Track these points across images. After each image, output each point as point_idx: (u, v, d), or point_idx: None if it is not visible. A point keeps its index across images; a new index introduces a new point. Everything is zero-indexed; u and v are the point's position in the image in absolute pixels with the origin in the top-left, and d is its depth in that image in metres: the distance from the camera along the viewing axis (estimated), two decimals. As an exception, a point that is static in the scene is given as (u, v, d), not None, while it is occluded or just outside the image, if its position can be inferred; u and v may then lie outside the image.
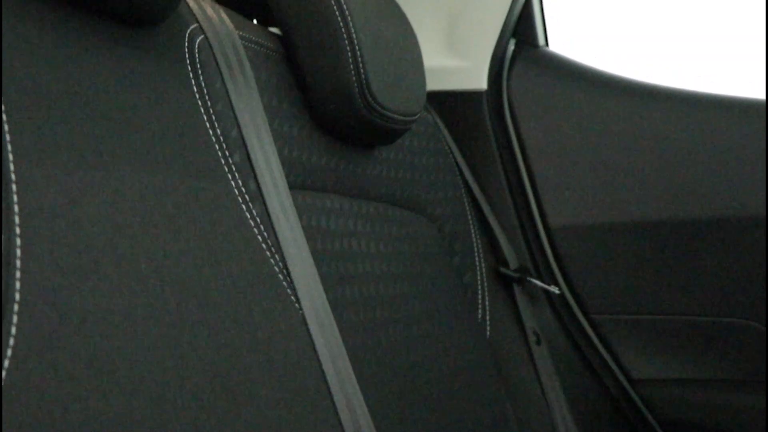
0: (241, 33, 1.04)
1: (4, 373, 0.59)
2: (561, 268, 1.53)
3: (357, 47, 1.09)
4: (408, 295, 1.20)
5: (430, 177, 1.37)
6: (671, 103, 1.49)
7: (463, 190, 1.45)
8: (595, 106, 1.52)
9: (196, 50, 0.94)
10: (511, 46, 1.57)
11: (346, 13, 1.09)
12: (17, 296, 0.62)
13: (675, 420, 1.50)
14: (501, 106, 1.55)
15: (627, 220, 1.49)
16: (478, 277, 1.40)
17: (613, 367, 1.53)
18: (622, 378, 1.53)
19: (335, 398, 0.91)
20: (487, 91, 1.55)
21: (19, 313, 0.61)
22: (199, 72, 0.93)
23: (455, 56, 1.55)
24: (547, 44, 1.60)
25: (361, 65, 1.10)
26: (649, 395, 1.51)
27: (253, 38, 1.08)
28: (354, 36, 1.09)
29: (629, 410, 1.52)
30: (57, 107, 0.72)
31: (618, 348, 1.53)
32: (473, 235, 1.43)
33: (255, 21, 1.29)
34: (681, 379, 1.50)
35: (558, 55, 1.57)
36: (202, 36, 0.96)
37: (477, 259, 1.42)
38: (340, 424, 0.90)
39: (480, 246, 1.44)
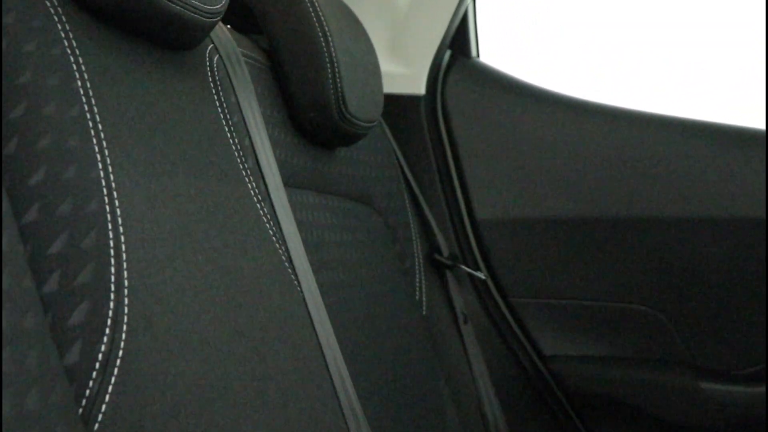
0: (241, 50, 1.22)
1: (122, 344, 0.76)
2: (485, 257, 1.77)
3: (336, 65, 1.29)
4: (364, 279, 1.39)
5: (376, 173, 1.57)
6: (584, 113, 1.74)
7: (403, 186, 1.66)
8: (519, 114, 1.75)
9: (215, 69, 1.11)
10: (447, 56, 1.78)
11: (328, 35, 1.28)
12: (126, 283, 0.79)
13: (580, 391, 1.75)
14: (436, 110, 1.76)
15: (544, 216, 1.74)
16: (416, 263, 1.61)
17: (527, 344, 1.77)
18: (534, 355, 1.77)
19: (330, 368, 1.11)
20: (424, 96, 1.76)
21: (128, 296, 0.78)
22: (219, 89, 1.10)
23: (398, 63, 1.75)
24: (478, 55, 1.82)
25: (338, 81, 1.29)
26: (558, 370, 1.76)
27: (250, 53, 1.25)
28: (333, 55, 1.28)
29: (540, 383, 1.77)
30: (133, 124, 0.89)
31: (532, 328, 1.77)
32: (412, 226, 1.64)
33: (229, 26, 1.46)
34: (587, 356, 1.76)
35: (488, 66, 1.80)
36: (218, 55, 1.13)
37: (415, 247, 1.63)
38: (333, 384, 1.10)
39: (417, 236, 1.65)
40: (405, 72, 1.76)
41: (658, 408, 1.70)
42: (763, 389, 1.64)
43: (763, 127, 1.70)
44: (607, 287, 1.73)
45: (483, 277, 1.74)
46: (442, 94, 1.77)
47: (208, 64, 1.10)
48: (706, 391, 1.66)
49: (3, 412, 0.62)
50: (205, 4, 0.96)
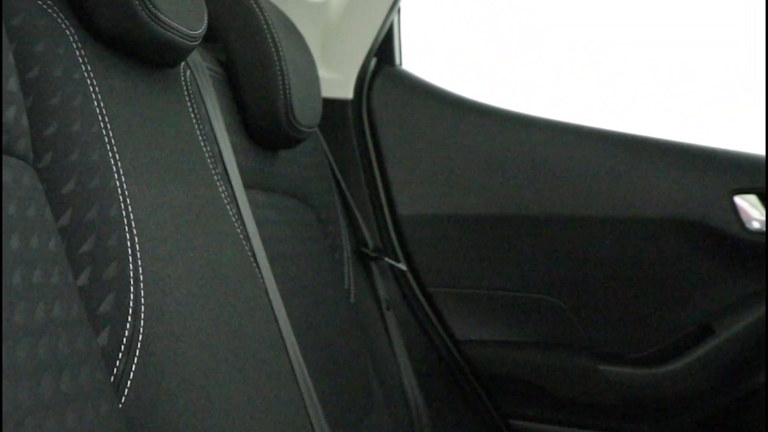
0: (204, 63, 1.36)
1: (141, 330, 0.91)
2: (406, 249, 1.95)
3: (286, 78, 1.44)
4: (303, 270, 1.55)
5: (311, 173, 1.73)
6: (496, 120, 1.94)
7: (333, 184, 1.82)
8: (438, 118, 1.93)
9: (188, 83, 1.26)
10: (373, 64, 1.95)
11: (279, 51, 1.44)
12: (141, 278, 0.93)
13: (490, 373, 1.95)
14: (362, 114, 1.93)
15: (460, 213, 1.93)
16: (345, 255, 1.78)
17: (441, 330, 1.96)
18: (448, 339, 1.96)
19: (288, 350, 1.27)
20: (352, 100, 1.93)
21: (144, 289, 0.93)
22: (192, 101, 1.25)
23: (328, 69, 1.91)
24: (401, 64, 2.00)
25: (288, 92, 1.45)
26: (470, 353, 1.95)
27: (209, 65, 1.40)
28: (284, 69, 1.44)
29: (454, 365, 1.96)
30: (135, 137, 1.03)
31: (447, 315, 1.96)
32: (341, 221, 1.80)
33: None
34: (496, 340, 1.96)
35: (410, 74, 1.97)
36: (189, 71, 1.28)
37: (343, 240, 1.79)
38: (291, 363, 1.26)
39: (346, 230, 1.81)
40: (334, 77, 1.91)
41: (560, 388, 1.91)
42: (652, 370, 1.87)
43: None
44: (515, 278, 1.94)
45: (403, 268, 1.92)
46: (368, 98, 1.94)
47: (182, 78, 1.24)
48: (603, 373, 1.88)
49: (42, 392, 0.76)
50: (189, 30, 1.11)
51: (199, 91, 1.27)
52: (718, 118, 2.08)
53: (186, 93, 1.23)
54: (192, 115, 1.22)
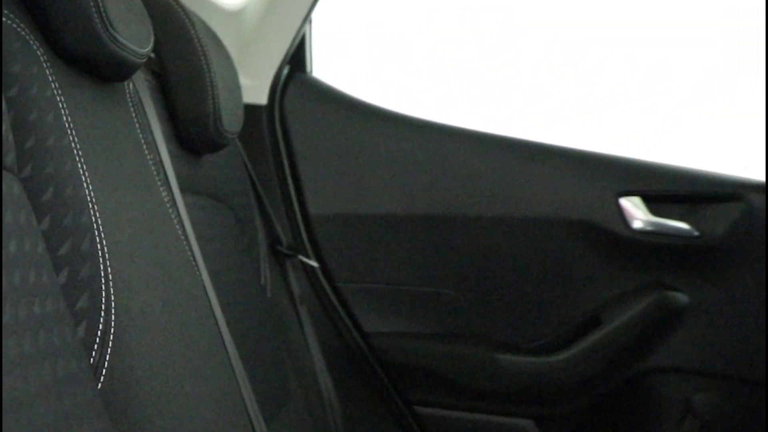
0: (142, 75, 1.48)
1: (113, 324, 1.03)
2: (317, 247, 2.08)
3: (214, 88, 1.56)
4: (225, 267, 1.68)
5: (229, 175, 1.85)
6: (402, 125, 2.09)
7: (249, 185, 1.94)
8: (346, 123, 2.08)
9: (131, 94, 1.37)
10: (286, 71, 2.08)
11: (209, 63, 1.56)
12: (110, 277, 1.05)
13: (395, 362, 2.10)
14: (275, 119, 2.06)
15: (367, 212, 2.08)
16: (261, 253, 1.90)
17: (349, 323, 2.11)
18: (355, 332, 2.10)
19: (224, 338, 1.40)
20: (266, 106, 2.05)
21: (113, 288, 1.05)
22: (136, 111, 1.36)
23: (244, 75, 2.03)
24: (312, 71, 2.13)
25: (216, 101, 1.57)
26: (377, 344, 2.10)
27: (145, 76, 1.51)
28: (213, 81, 1.56)
29: (361, 356, 2.11)
30: (96, 147, 1.14)
31: (355, 308, 2.11)
32: (256, 221, 1.93)
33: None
34: (401, 332, 2.11)
35: (320, 81, 2.11)
36: (131, 83, 1.39)
37: (259, 239, 1.92)
38: (227, 352, 1.39)
39: (261, 229, 1.94)
40: (250, 84, 2.03)
41: (461, 375, 2.08)
42: (545, 359, 2.06)
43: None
44: (418, 274, 2.09)
45: (314, 265, 2.05)
46: (281, 104, 2.07)
47: (126, 90, 1.35)
48: (500, 361, 2.06)
49: (44, 377, 0.87)
50: (139, 49, 1.22)
51: (141, 102, 1.39)
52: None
53: (130, 104, 1.34)
54: (136, 125, 1.33)
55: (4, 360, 0.80)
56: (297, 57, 2.10)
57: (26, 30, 1.08)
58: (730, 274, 2.07)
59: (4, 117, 0.93)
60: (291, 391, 1.78)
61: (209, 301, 1.39)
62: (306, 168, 2.09)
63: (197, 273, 1.37)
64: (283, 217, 2.07)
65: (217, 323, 1.39)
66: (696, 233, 2.06)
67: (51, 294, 0.93)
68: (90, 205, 1.05)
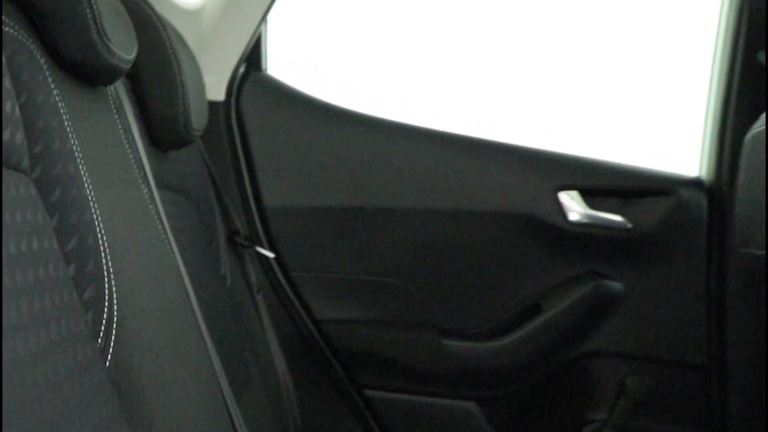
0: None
1: (115, 314, 1.13)
2: (272, 238, 2.19)
3: (185, 89, 1.66)
4: (190, 258, 1.78)
5: (190, 169, 1.94)
6: (351, 121, 2.21)
7: (208, 179, 2.04)
8: (299, 119, 2.19)
9: (113, 96, 1.46)
10: (243, 69, 2.18)
11: (180, 65, 1.65)
12: (112, 270, 1.15)
13: (347, 349, 2.23)
14: (231, 115, 2.17)
15: (320, 205, 2.19)
16: (220, 243, 2.01)
17: (302, 311, 2.22)
18: (308, 319, 2.22)
19: (202, 330, 1.50)
20: (223, 102, 2.15)
21: (115, 281, 1.15)
22: (118, 113, 1.45)
23: (203, 72, 2.13)
24: (267, 69, 2.24)
25: (186, 102, 1.67)
26: (328, 331, 2.22)
27: (122, 79, 1.60)
28: (184, 82, 1.66)
29: (314, 343, 2.22)
30: (93, 149, 1.24)
31: (308, 297, 2.22)
32: (215, 213, 2.03)
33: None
34: (352, 319, 2.24)
35: (275, 79, 2.22)
36: (113, 85, 1.48)
37: (218, 230, 2.02)
38: (204, 341, 1.49)
39: (220, 221, 2.04)
40: (208, 81, 2.13)
41: (408, 360, 2.21)
42: (489, 344, 2.20)
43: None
44: (368, 264, 2.22)
45: (270, 255, 2.16)
46: (238, 101, 2.18)
47: (109, 93, 1.44)
48: (446, 346, 2.19)
49: (56, 370, 0.97)
50: (126, 56, 1.32)
51: (121, 103, 1.48)
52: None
53: (113, 106, 1.44)
54: (119, 126, 1.43)
55: (27, 351, 0.90)
56: (253, 55, 2.20)
57: (30, 40, 1.17)
58: (661, 264, 2.23)
59: (18, 123, 1.03)
60: (252, 376, 1.89)
61: (187, 292, 1.49)
62: (262, 162, 2.19)
63: (177, 265, 1.48)
64: (241, 210, 2.18)
65: (194, 312, 1.50)
66: (629, 225, 2.22)
67: (64, 287, 1.03)
68: (91, 204, 1.15)
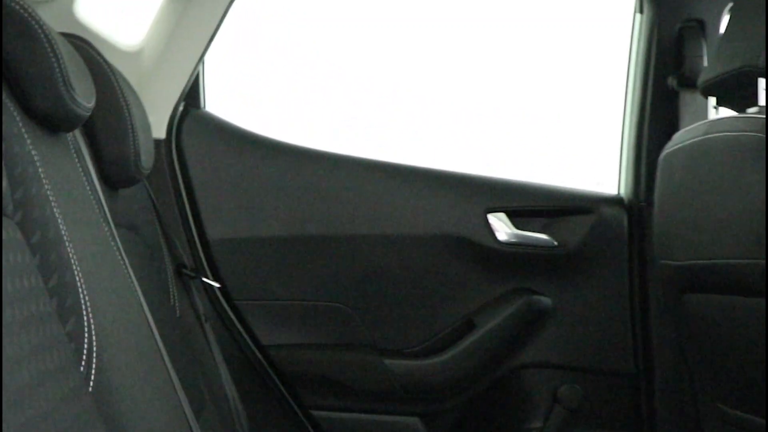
0: None
1: (95, 343, 1.24)
2: (215, 268, 2.31)
3: (134, 131, 1.77)
4: (144, 290, 1.88)
5: (137, 206, 2.04)
6: (289, 154, 2.34)
7: (154, 215, 2.15)
8: (238, 154, 2.31)
9: (71, 141, 1.57)
10: (182, 107, 2.29)
11: (129, 107, 1.76)
12: (89, 305, 1.26)
13: (291, 371, 2.35)
14: (172, 152, 2.28)
15: (260, 235, 2.31)
16: (168, 276, 2.11)
17: (247, 337, 2.33)
18: (253, 345, 2.33)
19: (163, 355, 1.61)
20: (164, 140, 2.26)
21: (92, 315, 1.26)
22: (78, 156, 1.56)
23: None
24: (205, 106, 2.35)
25: (137, 143, 1.77)
26: (274, 356, 2.34)
27: None
28: (134, 125, 1.77)
29: (260, 367, 2.34)
30: (63, 192, 1.34)
31: (253, 323, 2.34)
32: (162, 246, 2.13)
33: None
34: (296, 344, 2.36)
35: (214, 115, 2.34)
36: (71, 132, 1.59)
37: (166, 263, 2.12)
38: (166, 366, 1.60)
39: (167, 254, 2.15)
40: (150, 119, 2.24)
41: (352, 380, 2.34)
42: (426, 361, 2.34)
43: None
44: (309, 289, 2.34)
45: (216, 285, 2.27)
46: (178, 138, 2.29)
47: (68, 138, 1.55)
48: (386, 366, 2.32)
49: (52, 397, 1.08)
50: (87, 104, 1.43)
51: (79, 147, 1.59)
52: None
53: (73, 150, 1.54)
54: (79, 168, 1.53)
55: (24, 383, 1.00)
56: (192, 94, 2.31)
57: (5, 93, 1.27)
58: (586, 278, 2.40)
59: (2, 173, 1.14)
60: (205, 400, 1.99)
61: (148, 322, 1.60)
62: (203, 196, 2.31)
63: (138, 297, 1.58)
64: (186, 243, 2.28)
65: (156, 341, 1.60)
66: (555, 243, 2.39)
67: (53, 320, 1.13)
68: (66, 243, 1.26)
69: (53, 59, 1.31)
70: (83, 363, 1.21)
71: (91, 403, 1.17)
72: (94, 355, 1.23)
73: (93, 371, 1.21)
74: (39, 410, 1.01)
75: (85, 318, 1.23)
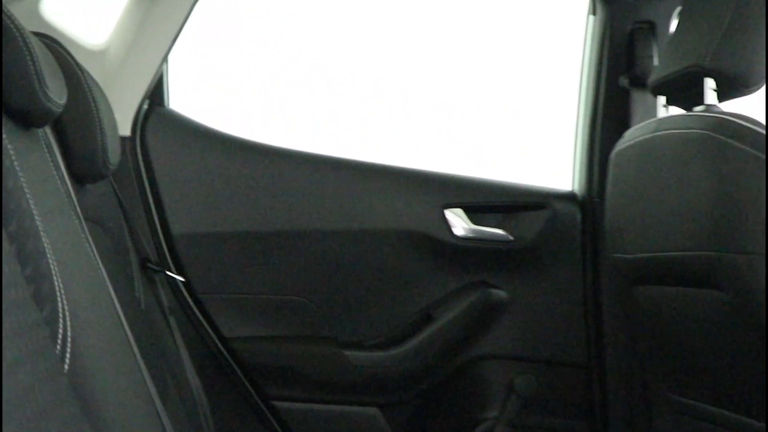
0: None
1: (69, 329, 1.30)
2: (179, 262, 2.36)
3: (103, 129, 1.82)
4: (111, 282, 1.94)
5: (103, 200, 2.10)
6: (251, 151, 2.40)
7: (120, 210, 2.20)
8: (201, 151, 2.37)
9: (44, 137, 1.62)
10: (146, 105, 2.35)
11: (99, 107, 1.82)
12: (63, 292, 1.32)
13: (253, 363, 2.41)
14: (136, 149, 2.33)
15: (223, 230, 2.37)
16: (134, 269, 2.16)
17: (210, 330, 2.39)
18: (216, 337, 2.39)
19: (132, 346, 1.67)
20: (129, 137, 2.32)
21: (67, 300, 1.32)
22: (49, 152, 1.61)
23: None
24: (169, 104, 2.41)
25: (104, 140, 1.83)
26: (236, 348, 2.40)
27: None
28: (102, 122, 1.82)
29: (222, 359, 2.39)
30: (37, 185, 1.40)
31: (216, 316, 2.40)
32: (128, 241, 2.19)
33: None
34: (258, 336, 2.42)
35: (177, 113, 2.39)
36: (42, 134, 1.64)
37: (131, 257, 2.18)
38: (135, 356, 1.66)
39: (132, 248, 2.20)
40: (116, 117, 2.30)
41: (313, 371, 2.41)
42: (386, 353, 2.41)
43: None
44: (271, 283, 2.41)
45: (180, 279, 2.33)
46: (142, 135, 2.34)
47: (41, 134, 1.60)
48: (347, 357, 2.39)
49: (32, 377, 1.14)
50: (59, 100, 1.49)
51: (50, 142, 1.64)
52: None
53: (44, 145, 1.60)
54: (50, 163, 1.59)
55: (7, 364, 1.06)
56: (156, 92, 2.37)
57: None
58: (541, 272, 2.49)
59: None
60: (169, 391, 2.05)
61: (118, 312, 1.66)
62: (167, 192, 2.36)
63: (107, 288, 1.64)
64: (150, 237, 2.34)
65: (125, 330, 1.66)
66: (510, 238, 2.47)
67: (31, 305, 1.19)
68: (42, 234, 1.32)
69: (28, 57, 1.37)
70: (58, 346, 1.26)
71: (67, 384, 1.23)
72: (69, 339, 1.28)
73: (68, 355, 1.27)
74: (18, 391, 1.07)
75: (59, 305, 1.29)
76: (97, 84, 1.92)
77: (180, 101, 2.46)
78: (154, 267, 2.24)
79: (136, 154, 2.35)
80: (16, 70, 1.37)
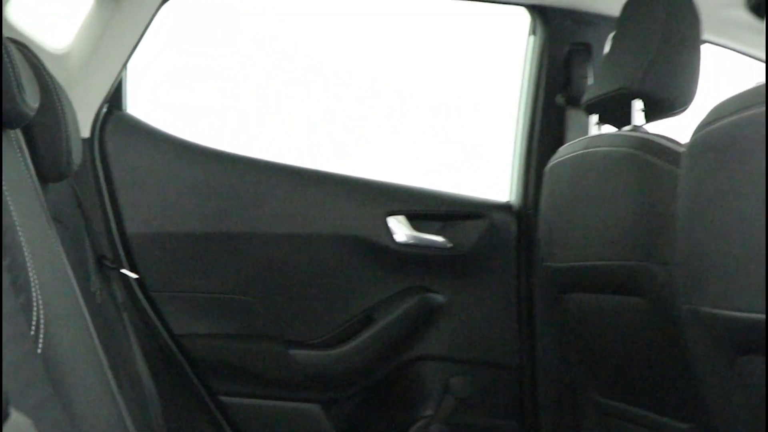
0: None
1: (42, 316, 1.41)
2: (133, 260, 2.48)
3: (67, 131, 1.93)
4: (72, 278, 2.05)
5: (62, 198, 2.21)
6: (202, 155, 2.53)
7: (78, 208, 2.31)
8: (156, 154, 2.49)
9: (13, 138, 1.73)
10: (105, 108, 2.46)
11: (65, 109, 1.93)
12: (37, 283, 1.44)
13: (202, 359, 2.52)
14: (95, 151, 2.44)
15: (176, 231, 2.50)
16: (90, 266, 2.27)
17: (161, 326, 2.51)
18: (166, 334, 2.51)
19: (93, 338, 1.78)
20: (88, 139, 2.43)
21: (41, 292, 1.43)
22: (20, 152, 1.72)
23: (70, 112, 2.40)
24: (127, 108, 2.52)
25: (69, 142, 1.94)
26: (186, 344, 2.52)
27: None
28: (67, 125, 1.93)
29: (172, 355, 2.51)
30: (11, 181, 1.52)
31: (166, 314, 2.51)
32: (85, 239, 2.29)
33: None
34: (207, 333, 2.54)
35: (135, 117, 2.51)
36: (14, 135, 1.75)
37: (88, 254, 2.28)
38: (95, 349, 1.77)
39: (89, 246, 2.31)
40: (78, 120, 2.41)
41: (260, 369, 2.54)
42: (328, 352, 2.55)
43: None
44: (221, 283, 2.53)
45: (134, 277, 2.45)
46: (101, 138, 2.46)
47: (13, 134, 1.72)
48: (292, 356, 2.53)
49: (11, 357, 1.25)
50: (33, 104, 1.60)
51: (20, 143, 1.76)
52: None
53: (16, 145, 1.71)
54: (22, 162, 1.70)
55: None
56: (115, 96, 2.48)
57: None
58: (477, 278, 2.64)
59: None
60: (124, 384, 2.16)
61: (80, 304, 1.77)
62: (124, 193, 2.48)
63: (72, 283, 1.76)
64: (106, 236, 2.45)
65: (87, 321, 1.78)
66: (450, 245, 2.63)
67: (10, 294, 1.31)
68: (18, 228, 1.43)
69: (8, 62, 1.48)
70: (32, 331, 1.38)
71: (42, 365, 1.35)
72: (42, 325, 1.40)
73: (41, 339, 1.39)
74: (8, 368, 1.19)
75: (33, 294, 1.41)
76: (62, 88, 2.03)
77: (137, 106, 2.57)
78: (110, 264, 2.35)
79: (94, 156, 2.46)
80: None
